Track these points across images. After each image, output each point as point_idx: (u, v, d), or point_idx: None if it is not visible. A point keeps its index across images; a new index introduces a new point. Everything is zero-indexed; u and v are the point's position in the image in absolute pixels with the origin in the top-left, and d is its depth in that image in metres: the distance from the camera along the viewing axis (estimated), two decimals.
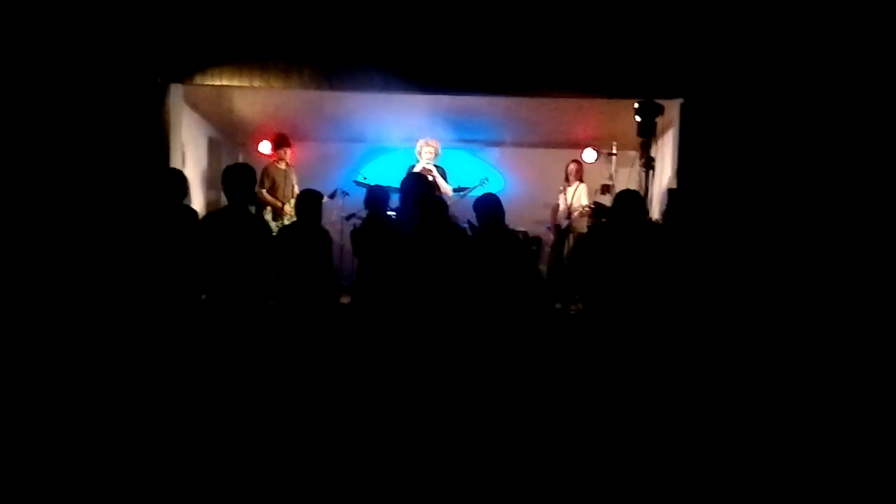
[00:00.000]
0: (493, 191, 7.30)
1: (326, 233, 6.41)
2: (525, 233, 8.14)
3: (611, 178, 8.87)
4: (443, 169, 8.56)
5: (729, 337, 6.21)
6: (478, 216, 5.98)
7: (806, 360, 6.02)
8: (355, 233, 6.24)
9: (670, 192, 7.68)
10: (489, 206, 5.95)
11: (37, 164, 7.06)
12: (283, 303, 6.22)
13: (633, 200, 5.88)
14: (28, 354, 5.77)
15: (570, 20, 7.61)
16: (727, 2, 7.39)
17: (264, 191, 8.67)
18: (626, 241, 5.71)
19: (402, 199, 5.91)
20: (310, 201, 6.35)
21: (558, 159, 9.30)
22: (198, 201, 8.88)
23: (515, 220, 7.09)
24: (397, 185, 6.47)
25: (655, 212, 7.92)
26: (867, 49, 7.09)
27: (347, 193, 8.59)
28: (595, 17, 7.60)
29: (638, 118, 7.36)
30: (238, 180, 5.62)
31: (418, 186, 5.94)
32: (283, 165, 8.91)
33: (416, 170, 8.21)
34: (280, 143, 8.92)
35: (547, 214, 9.06)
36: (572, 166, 8.87)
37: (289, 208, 8.71)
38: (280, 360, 5.67)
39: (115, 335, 5.54)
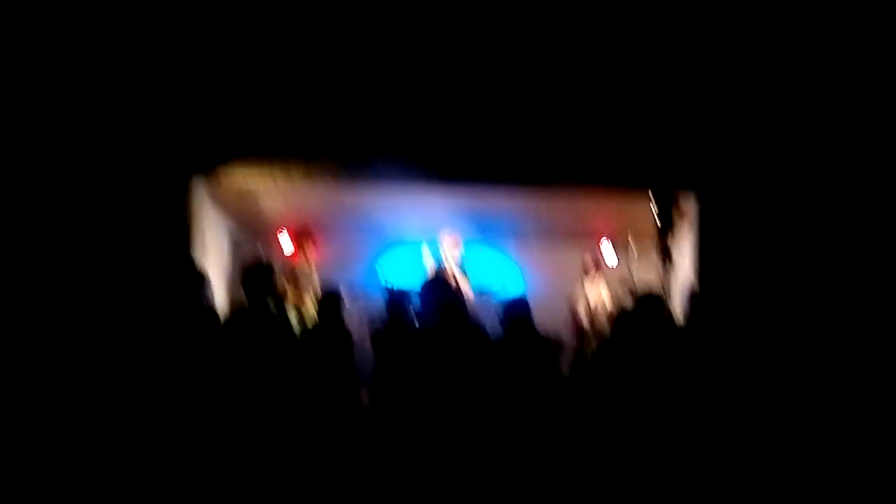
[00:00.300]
0: (514, 288, 7.30)
1: (349, 334, 6.46)
2: (545, 337, 8.08)
3: (629, 271, 8.87)
4: (465, 271, 8.61)
5: (757, 446, 6.01)
6: (504, 320, 6.00)
7: (835, 470, 5.91)
8: (376, 336, 6.24)
9: (690, 288, 7.50)
10: (517, 310, 5.98)
11: (58, 255, 7.12)
12: (304, 404, 6.10)
13: (655, 306, 5.88)
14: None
15: (587, 111, 7.74)
16: (744, 93, 7.50)
17: (286, 289, 8.72)
18: (648, 351, 5.68)
19: (423, 302, 5.90)
20: (332, 303, 6.44)
21: (577, 250, 9.33)
22: (219, 299, 8.86)
23: (535, 315, 6.95)
24: (418, 284, 6.40)
25: (675, 307, 7.76)
26: (888, 142, 7.15)
27: (369, 292, 8.64)
28: (611, 109, 7.72)
29: (654, 209, 7.43)
30: (258, 280, 5.65)
31: (440, 289, 5.93)
32: (304, 262, 8.98)
33: (437, 266, 8.28)
34: (303, 239, 9.02)
35: (566, 311, 9.07)
36: (589, 258, 8.90)
37: (311, 308, 8.72)
38: (300, 464, 5.65)
39: (133, 436, 5.53)
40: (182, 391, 5.46)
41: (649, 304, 5.86)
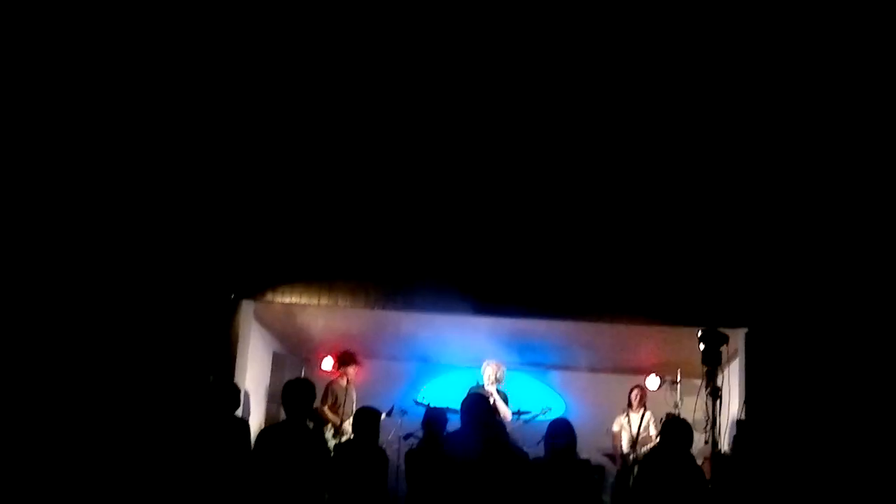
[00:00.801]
0: (555, 416, 7.26)
1: (383, 451, 6.44)
2: (588, 461, 7.96)
3: (676, 406, 8.78)
4: (504, 393, 8.56)
5: None
6: (547, 441, 5.88)
7: None
8: (411, 454, 6.26)
9: (739, 423, 7.51)
10: (561, 432, 5.87)
11: (106, 368, 7.35)
12: None
13: (679, 429, 5.93)
14: None
15: (633, 246, 7.88)
16: (789, 231, 7.63)
17: (325, 407, 8.68)
18: (672, 471, 5.69)
19: (462, 420, 5.82)
20: (367, 419, 6.45)
21: (621, 385, 9.31)
22: (258, 415, 8.97)
23: (577, 447, 6.95)
24: (457, 406, 6.33)
25: (724, 443, 7.59)
26: None
27: (406, 412, 8.61)
28: (657, 245, 7.87)
29: (702, 346, 7.09)
30: (297, 395, 5.72)
31: (479, 408, 5.86)
32: (344, 382, 8.95)
33: (477, 387, 8.24)
34: (346, 360, 9.01)
35: (608, 442, 8.93)
36: (636, 392, 8.88)
37: (348, 426, 8.60)
38: None
39: None
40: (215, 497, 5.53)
41: (672, 428, 5.94)
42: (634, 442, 8.40)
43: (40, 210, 7.56)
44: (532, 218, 7.98)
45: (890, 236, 7.38)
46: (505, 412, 8.37)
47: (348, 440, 7.20)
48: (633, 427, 8.54)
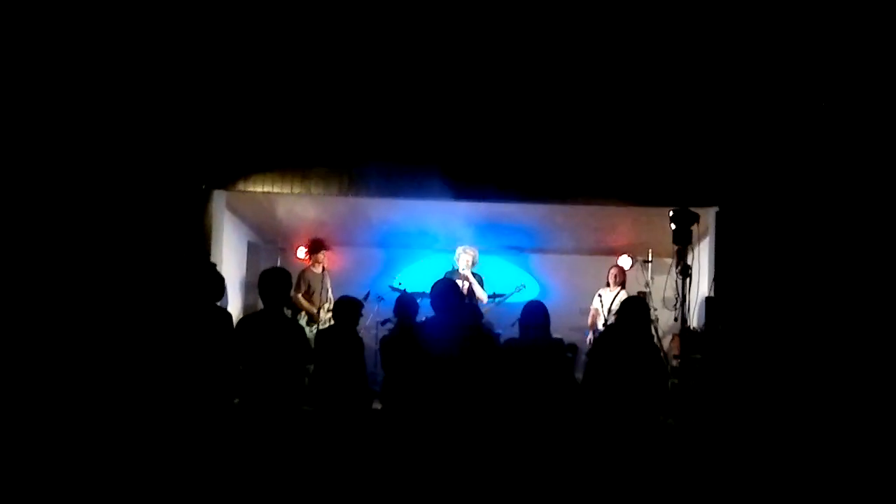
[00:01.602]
0: (528, 297, 7.44)
1: (360, 339, 6.63)
2: (561, 340, 8.22)
3: (647, 285, 9.05)
4: (479, 276, 8.72)
5: (771, 452, 6.23)
6: (521, 322, 6.00)
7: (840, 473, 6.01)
8: (385, 341, 6.31)
9: (708, 300, 7.84)
10: (534, 312, 5.98)
11: (78, 262, 7.39)
12: (317, 407, 6.39)
13: (636, 306, 6.02)
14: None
15: (606, 129, 7.93)
16: (761, 110, 7.69)
17: (300, 295, 8.84)
18: (625, 350, 5.82)
19: (434, 306, 5.94)
20: (348, 308, 6.65)
21: (594, 266, 9.54)
22: (235, 304, 9.12)
23: (551, 326, 7.18)
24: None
25: (693, 320, 7.96)
26: None
27: (382, 298, 8.80)
28: (630, 127, 7.93)
29: (673, 226, 7.44)
30: (273, 284, 5.78)
31: (449, 292, 5.94)
32: (318, 269, 9.10)
33: (454, 276, 8.30)
34: (316, 247, 9.14)
35: (583, 321, 9.21)
36: (614, 270, 9.12)
37: (323, 313, 8.91)
38: (311, 465, 5.75)
39: (147, 437, 5.63)
40: (197, 390, 5.62)
41: (629, 307, 6.01)
42: (605, 319, 8.66)
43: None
44: (504, 101, 7.96)
45: (860, 115, 7.43)
46: (481, 295, 8.57)
47: (329, 327, 7.34)
48: (606, 304, 8.81)
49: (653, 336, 6.48)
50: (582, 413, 5.93)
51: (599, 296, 9.07)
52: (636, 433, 5.64)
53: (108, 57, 7.62)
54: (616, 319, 6.24)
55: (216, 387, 5.70)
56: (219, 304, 6.08)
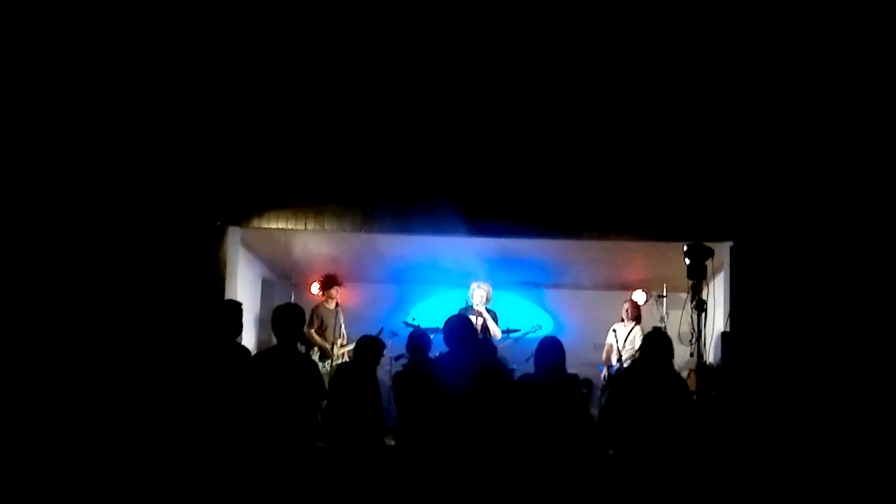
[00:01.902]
0: (543, 333, 7.46)
1: (377, 379, 6.72)
2: (576, 375, 8.22)
3: (662, 320, 9.03)
4: (493, 312, 8.76)
5: (789, 488, 6.25)
6: (536, 359, 6.00)
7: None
8: (398, 377, 6.34)
9: (724, 335, 7.79)
10: (549, 349, 5.97)
11: (92, 300, 7.48)
12: (330, 443, 6.43)
13: (658, 341, 6.02)
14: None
15: (620, 164, 8.00)
16: (774, 145, 7.75)
17: (313, 331, 8.86)
18: (651, 384, 5.83)
19: (446, 342, 5.99)
20: (370, 349, 6.75)
21: (608, 301, 9.55)
22: (250, 340, 9.06)
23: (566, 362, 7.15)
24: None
25: (709, 355, 7.92)
26: None
27: (396, 334, 8.77)
28: (644, 162, 7.99)
29: (688, 261, 7.44)
30: (287, 320, 5.79)
31: (462, 328, 6.01)
32: (332, 305, 9.13)
33: (468, 312, 8.39)
34: (329, 283, 9.16)
35: (597, 356, 9.20)
36: (627, 305, 9.11)
37: (336, 349, 8.95)
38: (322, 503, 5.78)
39: (164, 472, 5.65)
40: (212, 423, 5.60)
41: (653, 341, 6.03)
42: (619, 354, 8.68)
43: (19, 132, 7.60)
44: (518, 137, 8.06)
45: (874, 150, 7.50)
46: (495, 331, 8.61)
47: (348, 363, 7.39)
48: (621, 339, 8.82)
49: (677, 370, 6.49)
50: (598, 450, 5.95)
51: (614, 331, 9.09)
52: (664, 468, 5.63)
53: (125, 92, 7.77)
54: (640, 353, 6.24)
55: (235, 423, 5.65)
56: (236, 339, 6.09)
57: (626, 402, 5.91)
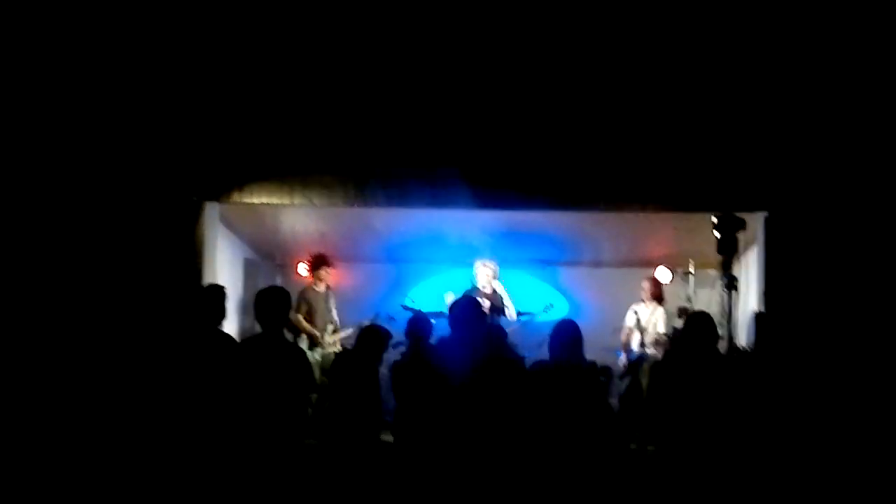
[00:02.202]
0: (557, 315, 7.40)
1: (378, 372, 6.77)
2: (594, 363, 7.99)
3: (689, 300, 8.80)
4: (502, 292, 8.73)
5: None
6: (551, 344, 5.84)
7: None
8: (396, 366, 6.26)
9: (758, 316, 7.62)
10: (566, 333, 5.80)
11: (67, 280, 7.29)
12: (322, 440, 6.44)
13: (704, 324, 5.88)
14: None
15: (642, 127, 7.73)
16: (813, 101, 7.49)
17: (300, 316, 8.72)
18: (700, 372, 5.68)
19: (452, 327, 5.85)
20: (375, 339, 6.86)
21: (628, 279, 9.40)
22: (231, 327, 8.75)
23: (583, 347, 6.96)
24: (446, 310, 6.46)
25: (741, 337, 7.83)
26: None
27: (393, 318, 8.51)
28: (668, 125, 7.71)
29: (717, 234, 7.27)
30: (271, 305, 5.57)
31: (470, 312, 5.86)
32: (321, 288, 9.00)
33: (473, 293, 8.24)
34: (318, 264, 9.05)
35: (617, 341, 8.99)
36: (647, 284, 8.93)
37: (327, 336, 8.82)
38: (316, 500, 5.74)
39: (146, 467, 5.68)
40: (194, 415, 5.47)
41: (697, 324, 5.93)
42: (641, 337, 8.57)
43: None
44: (530, 98, 7.72)
45: None
46: (510, 311, 8.63)
47: (348, 352, 7.36)
48: (643, 321, 8.67)
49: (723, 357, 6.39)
50: (619, 445, 5.92)
51: (635, 312, 8.85)
52: (714, 466, 5.52)
53: (92, 58, 7.54)
54: (682, 339, 6.14)
55: (219, 418, 5.47)
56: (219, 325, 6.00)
57: (670, 394, 5.78)
